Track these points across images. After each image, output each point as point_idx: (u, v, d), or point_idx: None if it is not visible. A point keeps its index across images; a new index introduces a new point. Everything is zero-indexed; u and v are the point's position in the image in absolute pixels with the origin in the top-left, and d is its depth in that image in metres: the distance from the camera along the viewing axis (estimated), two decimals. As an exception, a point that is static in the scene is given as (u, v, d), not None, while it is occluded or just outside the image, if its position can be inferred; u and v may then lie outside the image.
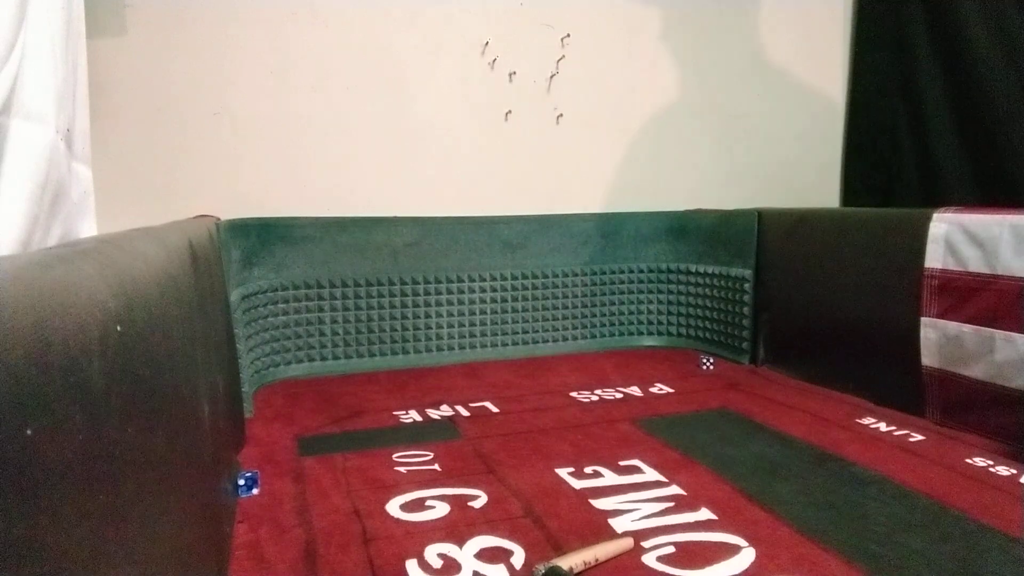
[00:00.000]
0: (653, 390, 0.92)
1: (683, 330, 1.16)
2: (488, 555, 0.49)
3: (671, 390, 0.92)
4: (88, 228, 0.67)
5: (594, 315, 1.17)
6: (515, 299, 1.12)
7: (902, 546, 0.49)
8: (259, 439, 0.73)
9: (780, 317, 0.98)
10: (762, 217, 0.98)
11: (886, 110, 1.25)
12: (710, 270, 1.09)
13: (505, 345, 1.11)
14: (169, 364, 0.32)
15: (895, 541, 0.50)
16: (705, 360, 1.04)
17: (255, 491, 0.60)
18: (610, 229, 1.17)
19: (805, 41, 1.28)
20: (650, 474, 0.63)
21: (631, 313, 1.19)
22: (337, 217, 1.02)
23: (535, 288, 1.13)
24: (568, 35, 1.16)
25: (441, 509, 0.56)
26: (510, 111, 1.14)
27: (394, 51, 1.08)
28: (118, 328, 0.24)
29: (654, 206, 1.26)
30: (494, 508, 0.57)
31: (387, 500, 0.58)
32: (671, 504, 0.57)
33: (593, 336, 1.17)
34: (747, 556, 0.49)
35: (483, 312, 1.10)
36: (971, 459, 0.65)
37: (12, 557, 0.15)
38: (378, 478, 0.63)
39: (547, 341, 1.14)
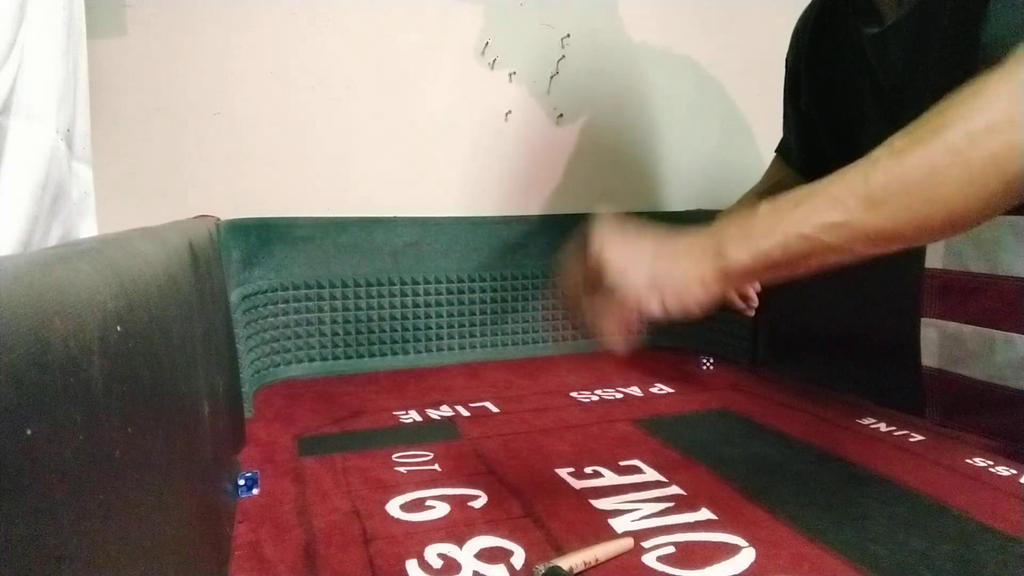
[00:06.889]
0: (653, 390, 0.92)
1: (683, 330, 1.16)
2: (488, 555, 0.49)
3: (671, 390, 0.92)
4: (88, 228, 0.67)
5: (594, 315, 1.17)
6: (515, 299, 1.12)
7: (902, 546, 0.49)
8: (259, 439, 0.73)
9: (780, 317, 0.98)
10: (762, 217, 0.98)
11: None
12: (710, 270, 1.09)
13: (505, 345, 1.11)
14: (169, 364, 0.32)
15: (895, 541, 0.50)
16: (705, 360, 1.04)
17: (255, 491, 0.60)
18: (610, 229, 1.17)
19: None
20: (650, 474, 0.63)
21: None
22: (337, 217, 1.02)
23: (535, 288, 1.13)
24: (568, 35, 1.16)
25: (441, 509, 0.56)
26: (510, 111, 1.14)
27: (394, 51, 1.08)
28: (118, 328, 0.24)
29: (654, 206, 1.26)
30: (494, 508, 0.56)
31: (387, 500, 0.58)
32: (671, 504, 0.57)
33: (593, 336, 1.17)
34: (747, 556, 0.48)
35: (483, 312, 1.10)
36: (971, 459, 0.65)
37: (12, 557, 0.15)
38: (378, 478, 0.63)
39: (547, 341, 1.14)
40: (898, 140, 0.49)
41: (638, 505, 0.57)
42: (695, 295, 0.48)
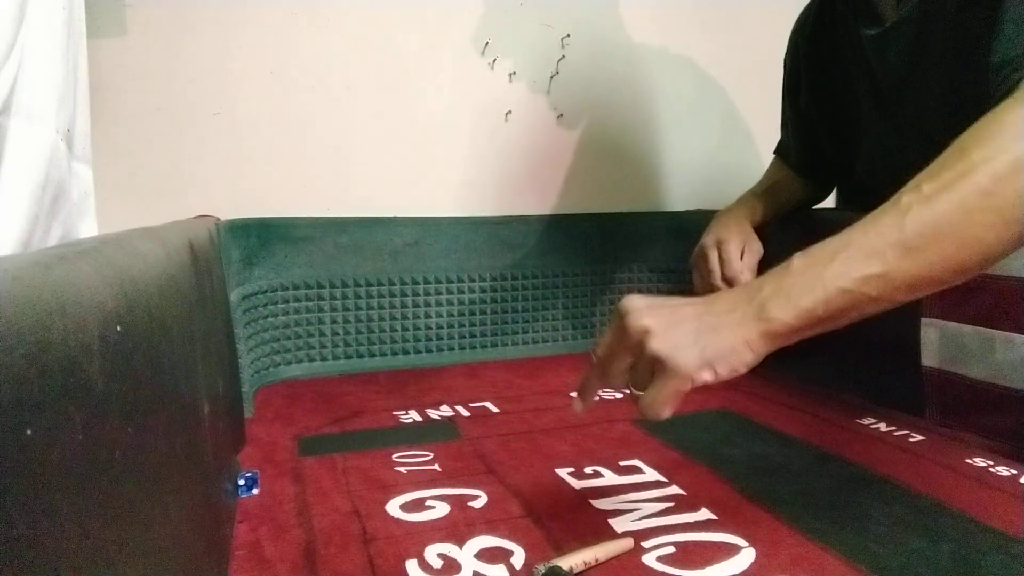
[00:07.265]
0: (653, 390, 0.91)
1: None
2: (488, 555, 0.49)
3: (671, 390, 0.91)
4: (88, 228, 0.67)
5: (594, 315, 1.17)
6: (515, 299, 1.12)
7: (902, 546, 0.49)
8: (259, 439, 0.73)
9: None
10: (762, 217, 0.98)
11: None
12: (710, 270, 1.08)
13: (505, 345, 1.11)
14: (169, 364, 0.32)
15: (895, 541, 0.50)
16: (705, 360, 1.04)
17: (255, 491, 0.60)
18: (610, 229, 1.17)
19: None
20: (650, 474, 0.63)
21: (631, 313, 1.18)
22: (337, 217, 1.02)
23: (535, 288, 1.13)
24: (568, 35, 1.16)
25: (441, 509, 0.56)
26: (510, 111, 1.14)
27: (394, 51, 1.08)
28: (118, 328, 0.24)
29: (654, 206, 1.26)
30: (494, 508, 0.57)
31: (387, 500, 0.58)
32: (671, 504, 0.57)
33: (593, 336, 1.17)
34: (747, 556, 0.49)
35: (483, 312, 1.10)
36: (971, 459, 0.65)
37: (12, 557, 0.15)
38: (378, 478, 0.63)
39: (547, 341, 1.14)
40: (925, 184, 0.49)
41: (638, 505, 0.57)
42: (745, 360, 0.48)
